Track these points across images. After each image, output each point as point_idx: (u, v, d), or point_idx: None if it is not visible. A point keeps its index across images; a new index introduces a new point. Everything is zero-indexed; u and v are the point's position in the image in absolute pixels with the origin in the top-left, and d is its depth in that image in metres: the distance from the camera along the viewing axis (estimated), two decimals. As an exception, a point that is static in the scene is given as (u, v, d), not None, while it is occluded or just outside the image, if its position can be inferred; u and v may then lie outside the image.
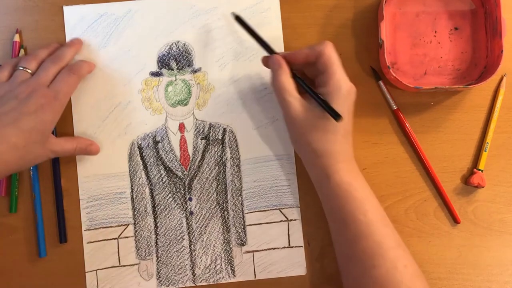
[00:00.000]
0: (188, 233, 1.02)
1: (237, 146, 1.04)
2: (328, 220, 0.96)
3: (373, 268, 0.88)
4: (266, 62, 0.99)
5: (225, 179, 1.03)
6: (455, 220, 1.02)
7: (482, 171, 1.02)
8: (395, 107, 1.03)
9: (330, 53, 0.93)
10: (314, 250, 1.02)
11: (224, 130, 1.04)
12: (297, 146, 0.99)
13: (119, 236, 1.02)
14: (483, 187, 1.02)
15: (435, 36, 1.04)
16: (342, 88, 0.92)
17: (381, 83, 1.03)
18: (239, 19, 1.00)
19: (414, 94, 1.04)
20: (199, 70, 1.05)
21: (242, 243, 1.03)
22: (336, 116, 0.89)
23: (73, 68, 0.99)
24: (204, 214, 1.03)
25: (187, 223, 1.02)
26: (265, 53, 0.98)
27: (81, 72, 1.00)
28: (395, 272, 0.88)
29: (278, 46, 1.04)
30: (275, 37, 1.05)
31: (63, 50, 1.01)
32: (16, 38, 1.03)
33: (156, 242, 1.02)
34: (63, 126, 0.99)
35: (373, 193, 0.94)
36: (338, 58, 0.94)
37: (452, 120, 1.04)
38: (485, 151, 1.02)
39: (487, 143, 1.02)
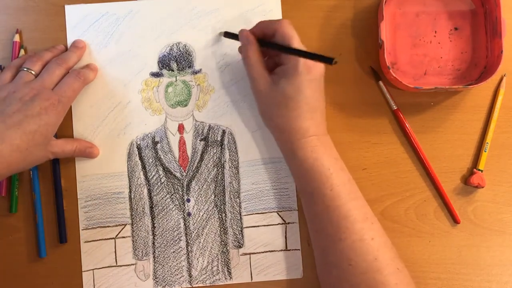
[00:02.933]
0: (186, 234, 1.02)
1: (236, 148, 1.04)
2: (299, 194, 0.98)
3: (339, 241, 0.89)
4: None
5: (224, 180, 1.03)
6: (455, 220, 1.02)
7: (482, 171, 1.02)
8: (395, 107, 1.03)
9: (285, 30, 0.94)
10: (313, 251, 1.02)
11: (223, 132, 1.04)
12: (264, 121, 1.00)
13: (116, 236, 1.02)
14: (483, 187, 1.02)
15: (435, 36, 1.04)
16: (300, 64, 0.92)
17: (381, 83, 1.03)
18: (228, 34, 1.03)
19: (414, 94, 1.03)
20: (199, 71, 1.05)
21: (239, 245, 1.03)
22: (328, 60, 0.86)
23: (80, 73, 0.99)
24: (202, 215, 1.03)
25: (185, 224, 1.02)
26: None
27: (87, 79, 1.01)
28: (362, 244, 0.88)
29: (279, 46, 1.04)
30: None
31: (68, 53, 1.02)
32: (16, 38, 1.03)
33: (153, 243, 1.02)
34: (63, 125, 0.99)
35: (345, 167, 0.95)
36: (295, 36, 0.94)
37: (452, 120, 1.04)
38: (485, 151, 1.02)
39: (487, 143, 1.02)
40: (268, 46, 0.97)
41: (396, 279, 0.88)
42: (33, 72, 0.97)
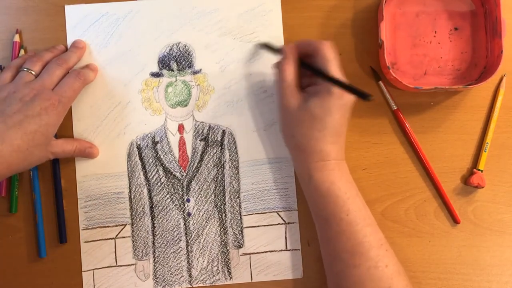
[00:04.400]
0: (186, 234, 1.02)
1: (236, 148, 1.04)
2: (313, 217, 0.97)
3: (354, 267, 0.89)
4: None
5: (224, 181, 1.03)
6: (455, 220, 1.02)
7: (482, 171, 1.02)
8: (395, 107, 1.03)
9: (326, 52, 0.94)
10: (314, 251, 1.02)
11: (223, 132, 1.04)
12: (285, 139, 1.00)
13: (116, 236, 1.02)
14: (483, 187, 1.02)
15: (435, 36, 1.04)
16: (335, 89, 0.92)
17: (381, 83, 1.03)
18: (266, 46, 1.03)
19: (414, 94, 1.03)
20: (199, 71, 1.05)
21: (239, 245, 1.03)
22: (364, 96, 0.87)
23: (80, 73, 0.99)
24: (202, 215, 1.03)
25: (185, 224, 1.02)
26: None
27: (87, 79, 1.01)
28: (376, 271, 0.88)
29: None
30: (276, 38, 1.05)
31: (68, 53, 1.02)
32: (16, 38, 1.03)
33: (153, 243, 1.02)
34: (63, 125, 0.99)
35: (359, 193, 0.95)
36: (335, 58, 0.94)
37: (452, 120, 1.04)
38: (485, 151, 1.02)
39: (487, 143, 1.02)
40: (307, 68, 0.97)
41: None
42: (33, 73, 0.97)
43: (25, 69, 0.97)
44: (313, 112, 0.92)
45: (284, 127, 0.98)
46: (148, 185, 1.03)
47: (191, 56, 1.05)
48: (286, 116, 0.96)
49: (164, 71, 1.04)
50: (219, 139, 1.04)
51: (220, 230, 1.02)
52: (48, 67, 0.98)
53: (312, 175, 0.93)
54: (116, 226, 1.02)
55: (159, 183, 1.03)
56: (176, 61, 1.04)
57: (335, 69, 0.93)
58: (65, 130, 1.02)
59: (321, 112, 0.91)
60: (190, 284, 1.02)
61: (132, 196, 1.02)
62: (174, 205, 1.03)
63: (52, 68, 0.98)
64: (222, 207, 1.03)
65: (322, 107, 0.92)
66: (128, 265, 1.02)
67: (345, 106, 0.93)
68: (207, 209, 1.03)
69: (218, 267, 1.02)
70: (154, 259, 1.02)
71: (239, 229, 1.03)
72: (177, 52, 1.05)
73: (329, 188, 0.92)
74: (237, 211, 1.03)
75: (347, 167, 0.96)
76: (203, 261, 1.02)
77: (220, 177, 1.03)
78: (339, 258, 0.91)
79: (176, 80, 1.04)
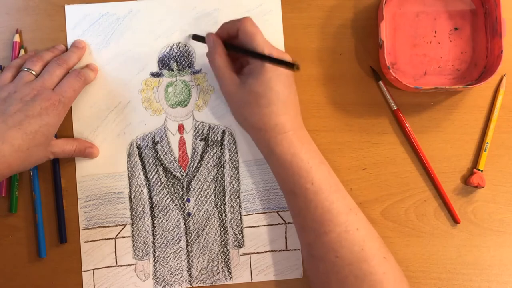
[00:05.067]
0: (186, 234, 1.02)
1: (236, 148, 1.04)
2: (282, 191, 0.97)
3: (325, 234, 0.89)
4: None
5: (224, 181, 1.03)
6: (455, 220, 1.02)
7: (482, 171, 1.02)
8: (395, 107, 1.03)
9: (247, 28, 0.94)
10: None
11: (223, 132, 1.04)
12: (240, 123, 1.00)
13: (116, 236, 1.02)
14: (483, 187, 1.02)
15: (435, 36, 1.04)
16: (266, 62, 0.92)
17: (381, 83, 1.03)
18: (197, 37, 1.04)
19: (414, 94, 1.03)
20: (199, 71, 1.05)
21: (239, 245, 1.03)
22: (290, 65, 0.88)
23: (80, 73, 0.99)
24: (202, 215, 1.03)
25: (185, 224, 1.02)
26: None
27: (87, 79, 1.01)
28: (347, 236, 0.88)
29: (279, 46, 1.04)
30: (276, 38, 1.05)
31: (68, 53, 1.02)
32: (16, 38, 1.03)
33: (153, 243, 1.02)
34: (63, 125, 0.99)
35: (324, 160, 0.95)
36: (258, 32, 0.94)
37: (452, 120, 1.04)
38: (485, 151, 1.02)
39: (487, 143, 1.02)
40: (233, 49, 0.98)
41: (384, 268, 0.88)
42: (33, 72, 0.97)
43: (26, 69, 0.97)
44: (255, 91, 0.92)
45: (234, 112, 1.00)
46: (148, 185, 1.03)
47: (191, 56, 1.05)
48: (232, 102, 0.97)
49: (164, 71, 1.04)
50: (219, 139, 1.04)
51: (220, 230, 1.02)
52: (48, 67, 0.98)
53: (273, 151, 0.93)
54: (116, 226, 1.02)
55: (159, 183, 1.03)
56: (176, 61, 1.04)
57: (259, 43, 0.93)
58: (65, 130, 1.02)
59: (262, 89, 0.92)
60: (190, 284, 1.02)
61: (132, 196, 1.02)
62: (174, 205, 1.03)
63: (52, 68, 0.98)
64: (222, 207, 1.03)
65: (260, 84, 0.92)
66: (128, 265, 1.02)
67: (283, 76, 0.93)
68: (207, 209, 1.03)
69: (218, 267, 1.02)
70: (154, 259, 1.02)
71: (239, 229, 1.03)
72: (177, 52, 1.05)
73: (291, 160, 0.92)
74: (237, 211, 1.03)
75: (308, 135, 0.96)
76: (203, 261, 1.02)
77: (220, 177, 1.03)
78: (309, 228, 0.91)
79: (176, 80, 1.04)
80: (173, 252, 1.02)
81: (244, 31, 0.94)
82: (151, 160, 1.03)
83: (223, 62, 0.96)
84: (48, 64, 0.99)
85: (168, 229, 1.02)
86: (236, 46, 0.97)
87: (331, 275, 0.89)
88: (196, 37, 1.03)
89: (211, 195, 1.03)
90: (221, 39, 0.98)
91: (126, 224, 1.02)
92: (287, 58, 0.95)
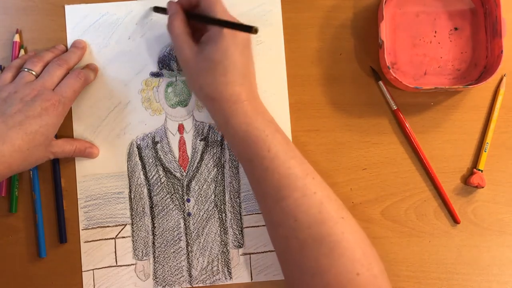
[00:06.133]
0: (186, 234, 1.02)
1: (236, 147, 1.03)
2: (239, 162, 0.99)
3: (282, 200, 0.89)
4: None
5: (224, 180, 1.03)
6: (455, 220, 1.02)
7: (482, 171, 1.02)
8: (395, 107, 1.03)
9: None
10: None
11: (224, 131, 1.04)
12: (195, 93, 1.00)
13: (116, 236, 1.02)
14: (483, 187, 1.02)
15: (435, 36, 1.04)
16: (225, 30, 0.92)
17: (381, 83, 1.03)
18: (158, 9, 1.04)
19: (414, 94, 1.03)
20: (199, 71, 1.05)
21: (239, 245, 1.03)
22: (248, 28, 0.86)
23: (80, 74, 0.99)
24: (202, 215, 1.03)
25: (185, 224, 1.02)
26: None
27: (87, 79, 1.01)
28: (304, 199, 0.88)
29: (279, 46, 1.04)
30: (276, 38, 1.05)
31: (68, 53, 1.02)
32: (16, 38, 1.03)
33: (153, 243, 1.02)
34: (63, 125, 0.99)
35: (280, 129, 0.95)
36: (220, 1, 0.95)
37: (452, 120, 1.04)
38: (485, 151, 1.02)
39: (487, 143, 1.02)
40: (193, 18, 0.98)
41: (342, 227, 0.88)
42: (33, 73, 0.97)
43: (26, 70, 0.97)
44: (212, 58, 0.92)
45: (189, 82, 0.99)
46: (148, 185, 1.03)
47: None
48: (188, 70, 0.96)
49: (164, 71, 1.04)
50: (219, 139, 1.04)
51: (220, 230, 1.02)
52: (48, 67, 0.98)
53: (228, 121, 0.93)
54: (116, 226, 1.02)
55: (159, 183, 1.03)
56: (176, 61, 1.04)
57: (219, 10, 0.94)
58: (65, 130, 1.02)
59: (219, 56, 0.92)
60: (190, 284, 1.02)
61: (132, 196, 1.02)
62: (174, 205, 1.03)
63: (52, 68, 0.98)
64: (222, 207, 1.03)
65: (218, 50, 0.92)
66: (128, 265, 1.02)
67: (241, 45, 0.93)
68: (207, 209, 1.03)
69: (218, 267, 1.02)
70: (154, 259, 1.02)
71: (239, 229, 1.03)
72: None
73: (246, 130, 0.92)
74: (237, 211, 1.03)
75: (263, 105, 0.96)
76: (203, 261, 1.02)
77: (220, 177, 1.03)
78: (268, 195, 0.91)
79: (176, 80, 1.04)
80: (173, 252, 1.02)
81: None
82: (151, 160, 1.03)
83: (182, 29, 0.96)
84: (49, 65, 0.99)
85: (168, 229, 1.02)
86: (196, 14, 0.97)
87: (291, 240, 0.89)
88: (158, 9, 1.04)
89: (211, 195, 1.03)
90: (182, 8, 0.98)
91: (126, 224, 1.02)
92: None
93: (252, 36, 1.00)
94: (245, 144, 0.92)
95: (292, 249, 0.89)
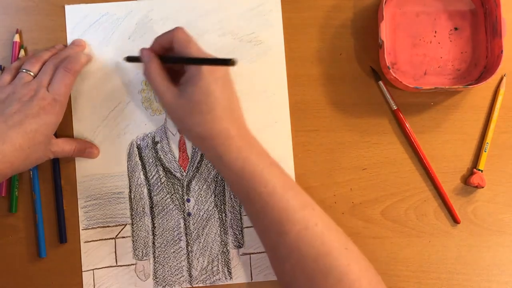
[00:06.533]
0: (186, 234, 1.02)
1: (236, 147, 1.03)
2: (237, 197, 0.99)
3: (285, 234, 0.89)
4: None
5: (224, 181, 1.03)
6: (455, 220, 1.02)
7: (482, 171, 1.02)
8: (395, 107, 1.03)
9: (180, 36, 0.94)
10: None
11: (224, 131, 1.03)
12: (185, 135, 1.01)
13: (116, 236, 1.02)
14: (483, 187, 1.02)
15: (435, 36, 1.04)
16: (202, 66, 0.91)
17: (381, 83, 1.03)
18: (131, 58, 1.03)
19: (414, 94, 1.03)
20: (199, 71, 1.05)
21: (240, 245, 1.03)
22: (226, 61, 0.86)
23: (67, 66, 0.98)
24: (202, 215, 1.03)
25: (185, 224, 1.02)
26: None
27: (76, 69, 0.99)
28: (307, 232, 0.88)
29: (279, 46, 1.04)
30: (276, 38, 1.05)
31: (65, 52, 1.01)
32: (16, 38, 1.03)
33: (154, 243, 1.02)
34: (63, 125, 0.99)
35: (274, 161, 0.95)
36: (190, 40, 0.94)
37: (452, 120, 1.04)
38: (485, 151, 1.02)
39: (487, 143, 1.02)
40: (168, 61, 0.97)
41: (347, 259, 0.88)
42: (31, 73, 0.97)
43: (24, 70, 0.97)
44: (194, 99, 0.92)
45: (177, 125, 0.99)
46: (148, 185, 1.03)
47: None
48: (173, 114, 0.96)
49: (164, 71, 1.04)
50: (219, 139, 1.04)
51: (220, 230, 1.02)
52: (45, 67, 0.98)
53: (221, 158, 0.92)
54: (116, 226, 1.02)
55: (159, 183, 1.03)
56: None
57: (193, 49, 0.93)
58: (65, 130, 1.02)
59: (201, 96, 0.91)
60: (190, 284, 1.02)
61: (132, 196, 1.02)
62: (174, 205, 1.02)
63: (48, 68, 0.98)
64: (222, 207, 1.03)
65: (199, 90, 0.91)
66: (128, 265, 1.02)
67: (221, 79, 0.93)
68: (207, 209, 1.03)
69: (218, 267, 1.02)
70: (154, 259, 1.02)
71: (239, 229, 1.02)
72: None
73: (242, 166, 0.91)
74: (237, 211, 1.03)
75: (254, 138, 0.96)
76: (203, 261, 1.02)
77: (220, 177, 1.03)
78: (269, 231, 0.91)
79: (176, 80, 1.04)
80: (173, 252, 1.02)
81: (178, 40, 0.94)
82: (151, 160, 1.03)
83: (159, 75, 0.95)
84: (45, 65, 0.99)
85: (168, 229, 1.02)
86: (170, 57, 0.97)
87: (298, 274, 0.89)
88: (130, 58, 1.03)
89: (211, 195, 1.03)
90: (156, 53, 0.97)
91: (126, 224, 1.02)
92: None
93: (252, 36, 1.00)
94: (241, 180, 0.92)
95: (299, 284, 0.89)
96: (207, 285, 1.02)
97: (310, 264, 0.87)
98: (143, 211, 1.02)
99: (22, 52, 1.04)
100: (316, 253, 0.87)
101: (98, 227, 1.02)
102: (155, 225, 1.02)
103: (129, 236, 1.02)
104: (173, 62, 0.98)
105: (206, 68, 0.91)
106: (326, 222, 0.91)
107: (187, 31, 0.95)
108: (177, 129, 1.01)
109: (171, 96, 0.94)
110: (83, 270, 1.02)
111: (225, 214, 1.03)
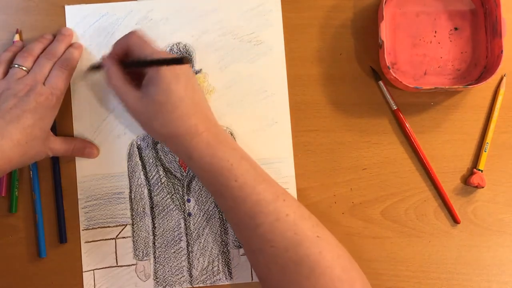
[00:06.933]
0: (186, 234, 1.02)
1: (236, 147, 1.03)
2: (209, 192, 0.99)
3: (257, 227, 0.89)
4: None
5: (224, 180, 1.03)
6: (455, 220, 1.02)
7: (482, 171, 1.02)
8: (395, 107, 1.03)
9: (135, 40, 0.95)
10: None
11: (224, 131, 1.03)
12: (154, 136, 1.02)
13: (116, 236, 1.02)
14: (483, 187, 1.02)
15: (435, 36, 1.04)
16: (160, 68, 0.91)
17: (381, 83, 1.03)
18: (93, 67, 1.03)
19: (414, 94, 1.03)
20: (199, 71, 1.04)
21: (240, 245, 1.02)
22: (178, 60, 0.87)
23: (64, 63, 0.99)
24: (202, 215, 1.03)
25: (185, 224, 1.02)
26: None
27: (72, 65, 1.00)
28: (279, 224, 0.88)
29: (279, 46, 1.04)
30: (276, 38, 1.05)
31: (55, 45, 1.02)
32: (16, 38, 1.03)
33: (154, 243, 1.02)
34: (63, 125, 1.00)
35: (246, 154, 0.95)
36: (145, 42, 0.94)
37: (452, 120, 1.04)
38: (485, 151, 1.02)
39: (487, 143, 1.02)
40: (127, 66, 0.97)
41: (319, 247, 0.87)
42: (24, 68, 0.97)
43: (16, 65, 0.98)
44: (157, 100, 0.91)
45: (144, 128, 0.97)
46: (149, 185, 1.03)
47: (191, 56, 1.05)
48: (138, 117, 0.95)
49: (164, 71, 1.04)
50: (219, 139, 1.03)
51: (220, 230, 1.02)
52: (38, 61, 0.99)
53: (191, 155, 0.92)
54: (116, 226, 1.02)
55: (159, 183, 1.03)
56: (176, 61, 1.04)
57: (149, 51, 0.93)
58: (65, 130, 1.02)
59: (163, 96, 0.91)
60: (191, 284, 1.02)
61: (133, 196, 1.02)
62: (175, 205, 1.02)
63: (42, 63, 0.98)
64: (222, 207, 1.03)
65: (160, 91, 0.91)
66: (129, 265, 1.02)
67: (182, 77, 0.93)
68: (208, 209, 1.03)
69: (218, 267, 1.02)
70: (155, 259, 1.02)
71: (240, 229, 1.02)
72: (177, 52, 1.05)
73: (210, 162, 0.91)
74: (237, 211, 1.03)
75: (224, 132, 0.96)
76: (204, 261, 1.02)
77: (220, 177, 1.03)
78: (242, 224, 0.91)
79: (176, 80, 1.04)
80: (174, 252, 1.02)
81: (133, 44, 0.94)
82: (151, 160, 1.03)
83: (120, 80, 0.95)
84: (38, 59, 0.99)
85: (169, 229, 1.02)
86: (129, 62, 0.97)
87: (271, 265, 0.89)
88: (94, 67, 1.03)
89: (211, 195, 1.02)
90: (115, 59, 0.97)
91: (126, 225, 1.02)
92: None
93: (252, 36, 1.01)
94: (212, 176, 0.92)
95: (274, 275, 0.89)
96: (208, 285, 1.02)
97: (283, 255, 0.87)
98: (143, 211, 1.02)
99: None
100: (288, 244, 0.87)
101: (98, 227, 1.02)
102: (156, 225, 1.02)
103: (130, 237, 1.02)
104: (132, 66, 0.97)
105: (165, 68, 0.91)
106: (299, 212, 0.91)
107: (142, 34, 0.95)
108: (147, 131, 0.99)
109: (134, 100, 0.94)
110: (83, 271, 1.02)
111: (226, 214, 1.03)
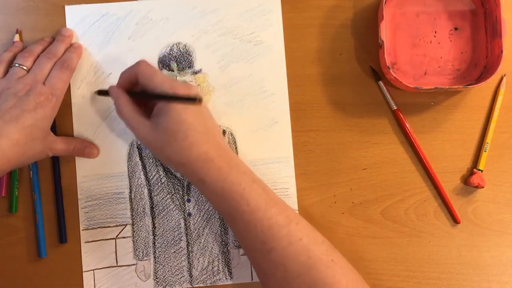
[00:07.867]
0: (186, 234, 1.02)
1: (236, 148, 1.03)
2: (222, 217, 0.99)
3: (270, 252, 0.89)
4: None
5: (224, 180, 1.03)
6: (455, 220, 1.02)
7: (482, 171, 1.02)
8: (395, 107, 1.03)
9: (144, 70, 0.95)
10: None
11: (224, 132, 1.04)
12: (165, 164, 1.02)
13: (117, 236, 1.02)
14: (483, 187, 1.02)
15: (435, 36, 1.04)
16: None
17: (381, 83, 1.03)
18: (101, 92, 1.03)
19: (414, 94, 1.03)
20: (199, 71, 1.05)
21: (240, 245, 1.02)
22: (192, 100, 0.88)
23: (64, 63, 0.99)
24: (202, 215, 1.03)
25: (185, 224, 1.02)
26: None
27: (73, 66, 1.01)
28: (292, 248, 0.88)
29: (279, 46, 1.04)
30: (276, 38, 1.05)
31: (56, 45, 1.02)
32: (16, 38, 1.03)
33: (154, 243, 1.02)
34: (63, 125, 1.00)
35: (257, 178, 0.95)
36: (154, 72, 0.94)
37: (452, 120, 1.04)
38: (485, 151, 1.02)
39: (487, 143, 1.02)
40: (136, 96, 0.97)
41: (333, 271, 0.88)
42: (25, 68, 0.98)
43: (17, 65, 0.98)
44: (168, 129, 0.91)
45: (156, 156, 0.99)
46: (149, 185, 1.03)
47: (191, 56, 1.05)
48: (151, 146, 0.95)
49: (164, 71, 1.04)
50: (219, 139, 1.03)
51: (220, 230, 1.02)
52: (38, 61, 0.99)
53: (203, 181, 0.92)
54: (116, 226, 1.02)
55: (159, 183, 1.03)
56: (176, 61, 1.04)
57: (158, 82, 0.93)
58: (65, 130, 1.02)
59: (174, 125, 0.91)
60: (191, 284, 1.02)
61: (133, 196, 1.02)
62: (175, 205, 1.02)
63: (42, 62, 0.98)
64: (222, 207, 1.03)
65: (171, 120, 0.91)
66: (129, 265, 1.02)
67: (191, 106, 0.93)
68: (208, 209, 1.03)
69: (218, 267, 1.02)
70: (155, 259, 1.02)
71: (240, 229, 1.02)
72: (177, 52, 1.05)
73: (222, 187, 0.91)
74: (237, 211, 1.03)
75: (236, 157, 0.96)
76: (204, 261, 1.02)
77: (220, 177, 1.03)
78: (254, 248, 0.91)
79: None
80: (174, 252, 1.02)
81: (142, 74, 0.94)
82: (151, 160, 1.03)
83: (130, 111, 0.95)
84: (38, 59, 0.99)
85: (169, 229, 1.02)
86: (138, 93, 0.97)
87: None
88: (101, 92, 1.03)
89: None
90: (123, 88, 0.97)
91: (126, 225, 1.02)
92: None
93: (252, 36, 1.01)
94: (224, 201, 0.92)
95: None
96: (208, 285, 1.02)
97: (296, 280, 0.87)
98: (143, 211, 1.02)
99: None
100: (301, 268, 0.87)
101: (98, 227, 1.02)
102: (156, 225, 1.02)
103: (130, 236, 1.02)
104: (141, 97, 0.98)
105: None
106: (312, 236, 0.91)
107: (150, 63, 0.95)
108: (160, 160, 1.01)
109: (145, 130, 0.94)
110: (83, 270, 1.02)
111: (226, 214, 1.03)
